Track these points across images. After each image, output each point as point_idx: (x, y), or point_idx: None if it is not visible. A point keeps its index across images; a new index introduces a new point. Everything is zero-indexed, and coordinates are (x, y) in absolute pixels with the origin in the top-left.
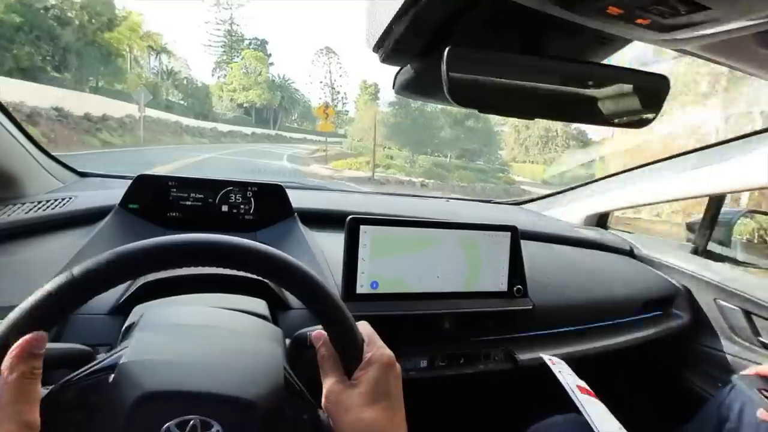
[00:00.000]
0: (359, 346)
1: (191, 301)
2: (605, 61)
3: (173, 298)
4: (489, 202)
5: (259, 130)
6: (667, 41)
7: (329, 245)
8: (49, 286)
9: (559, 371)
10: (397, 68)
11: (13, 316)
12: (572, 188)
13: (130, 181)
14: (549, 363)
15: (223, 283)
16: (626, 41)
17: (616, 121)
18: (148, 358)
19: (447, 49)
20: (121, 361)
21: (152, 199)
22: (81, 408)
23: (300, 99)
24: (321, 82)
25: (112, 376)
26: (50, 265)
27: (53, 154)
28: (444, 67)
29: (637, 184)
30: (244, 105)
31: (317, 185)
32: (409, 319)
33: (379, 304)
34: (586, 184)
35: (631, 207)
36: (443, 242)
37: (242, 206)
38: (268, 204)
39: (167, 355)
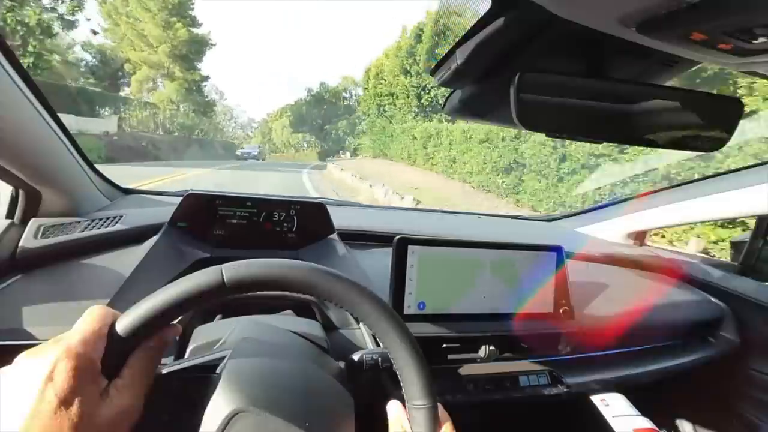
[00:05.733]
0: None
1: (262, 321)
2: (669, 83)
3: (249, 318)
4: (516, 217)
5: None
6: (742, 64)
7: (369, 263)
8: (204, 279)
9: (613, 416)
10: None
11: (163, 298)
12: (605, 205)
13: (173, 197)
14: (600, 405)
15: (271, 302)
16: (692, 63)
17: (688, 145)
18: (247, 371)
19: (518, 75)
20: (225, 365)
21: (200, 217)
22: (179, 399)
23: None
24: None
25: (213, 377)
26: (110, 279)
27: None
28: (513, 92)
29: (680, 203)
30: None
31: (352, 202)
32: (456, 341)
33: (425, 325)
34: (621, 201)
35: (675, 226)
36: (489, 262)
37: (285, 224)
38: (310, 222)
39: (262, 376)
